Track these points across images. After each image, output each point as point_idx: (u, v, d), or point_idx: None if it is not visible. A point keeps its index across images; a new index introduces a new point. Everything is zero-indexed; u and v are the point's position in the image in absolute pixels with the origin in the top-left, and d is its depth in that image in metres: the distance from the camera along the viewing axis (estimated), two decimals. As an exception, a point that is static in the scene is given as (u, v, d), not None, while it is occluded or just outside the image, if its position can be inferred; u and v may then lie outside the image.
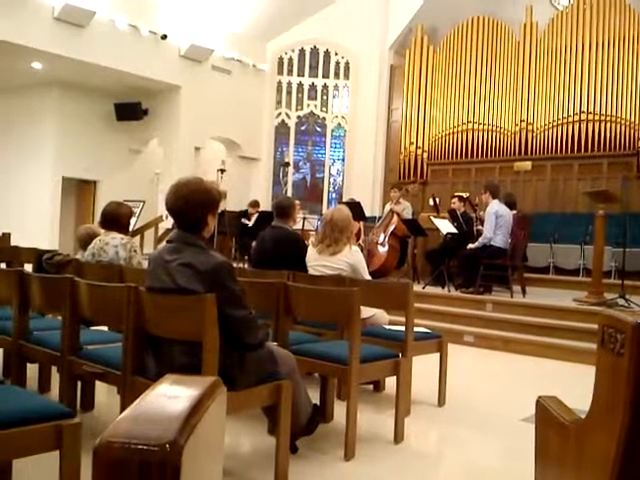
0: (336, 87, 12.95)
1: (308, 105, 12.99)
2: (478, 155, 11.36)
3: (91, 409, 3.42)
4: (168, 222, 9.11)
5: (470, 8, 11.52)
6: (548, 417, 1.73)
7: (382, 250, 8.44)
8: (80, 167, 11.53)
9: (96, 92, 11.50)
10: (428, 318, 6.34)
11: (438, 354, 3.91)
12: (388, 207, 8.98)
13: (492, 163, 11.22)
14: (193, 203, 2.45)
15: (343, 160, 13.04)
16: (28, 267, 4.52)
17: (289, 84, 12.96)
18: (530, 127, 10.81)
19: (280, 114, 12.99)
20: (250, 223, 9.51)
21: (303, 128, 13.08)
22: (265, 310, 3.12)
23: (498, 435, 3.47)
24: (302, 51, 12.87)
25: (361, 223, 8.62)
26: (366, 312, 3.83)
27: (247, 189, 12.51)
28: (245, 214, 10.23)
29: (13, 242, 7.36)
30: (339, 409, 3.30)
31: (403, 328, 3.50)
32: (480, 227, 7.42)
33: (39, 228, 10.83)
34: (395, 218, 8.55)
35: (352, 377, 2.88)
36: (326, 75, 12.91)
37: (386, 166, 12.75)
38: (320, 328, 3.86)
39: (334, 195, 13.07)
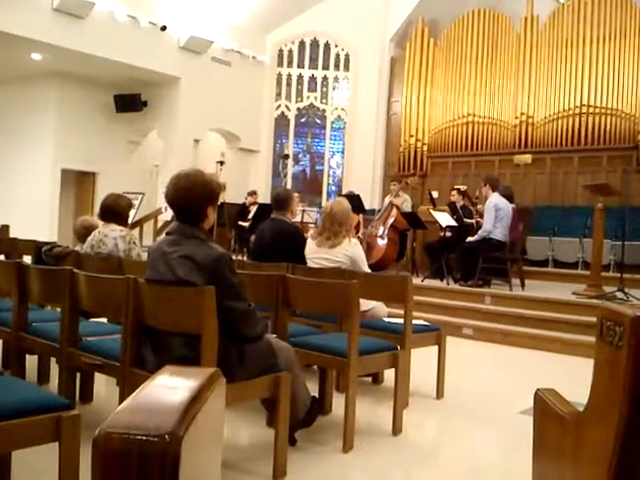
0: (336, 79, 12.90)
1: (308, 97, 12.94)
2: (478, 148, 11.33)
3: (90, 401, 3.42)
4: (167, 214, 9.10)
5: (471, 0, 11.47)
6: (546, 410, 1.73)
7: (381, 243, 8.43)
8: (79, 159, 11.50)
9: (95, 83, 11.45)
10: (427, 311, 6.35)
11: (437, 347, 3.92)
12: (387, 200, 8.96)
13: (492, 156, 11.20)
14: (193, 195, 2.45)
15: (343, 152, 13.00)
16: (27, 259, 4.51)
17: (289, 76, 12.90)
18: (530, 120, 10.78)
19: (280, 106, 12.94)
20: (247, 225, 9.40)
21: (303, 120, 13.03)
22: (264, 302, 3.11)
23: (496, 427, 3.48)
24: (302, 43, 12.80)
25: (360, 216, 8.59)
26: (365, 305, 3.83)
27: (246, 181, 12.47)
28: (243, 211, 10.09)
29: (12, 234, 7.35)
30: (338, 401, 3.31)
31: (402, 321, 3.51)
32: (480, 220, 7.42)
33: (38, 220, 10.80)
34: (394, 211, 8.53)
35: (351, 369, 2.89)
36: (326, 67, 12.85)
37: (386, 159, 12.71)
38: (319, 320, 3.87)
39: (333, 187, 13.04)
